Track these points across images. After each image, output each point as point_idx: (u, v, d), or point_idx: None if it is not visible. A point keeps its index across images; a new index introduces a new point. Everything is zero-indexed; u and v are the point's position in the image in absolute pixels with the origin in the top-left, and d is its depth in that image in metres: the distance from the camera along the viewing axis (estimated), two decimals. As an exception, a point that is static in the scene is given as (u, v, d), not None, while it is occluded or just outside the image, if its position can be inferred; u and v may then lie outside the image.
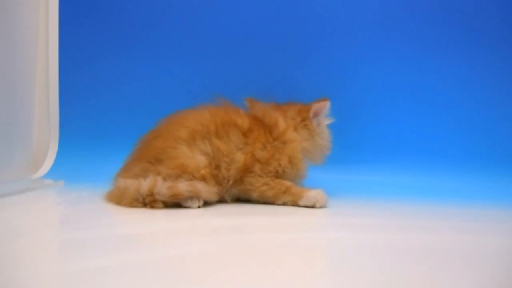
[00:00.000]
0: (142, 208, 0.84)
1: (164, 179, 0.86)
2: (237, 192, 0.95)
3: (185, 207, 0.86)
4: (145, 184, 0.85)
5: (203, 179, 0.88)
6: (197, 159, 0.89)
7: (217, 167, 0.91)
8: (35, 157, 1.32)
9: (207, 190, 0.87)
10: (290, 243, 0.65)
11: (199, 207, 0.87)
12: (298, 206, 0.92)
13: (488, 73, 1.29)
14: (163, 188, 0.84)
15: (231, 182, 0.93)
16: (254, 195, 0.94)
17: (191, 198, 0.86)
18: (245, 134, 0.94)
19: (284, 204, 0.94)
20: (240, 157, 0.93)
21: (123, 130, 1.35)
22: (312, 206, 0.91)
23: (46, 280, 0.47)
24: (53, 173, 1.28)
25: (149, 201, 0.84)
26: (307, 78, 1.32)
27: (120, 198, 0.87)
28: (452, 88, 1.31)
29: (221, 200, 0.93)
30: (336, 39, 1.33)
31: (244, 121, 0.96)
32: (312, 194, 0.92)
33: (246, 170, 0.93)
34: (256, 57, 1.33)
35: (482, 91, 1.30)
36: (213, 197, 0.89)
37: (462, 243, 0.68)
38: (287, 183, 0.94)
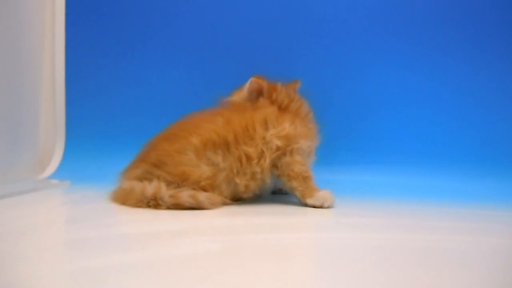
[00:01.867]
0: (146, 208, 0.84)
1: (167, 184, 0.86)
2: (268, 183, 0.93)
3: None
4: (149, 188, 0.85)
5: (203, 190, 0.87)
6: (201, 169, 0.88)
7: (238, 173, 0.89)
8: (41, 157, 1.32)
9: (210, 202, 0.86)
10: (296, 243, 0.64)
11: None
12: (304, 203, 0.92)
13: (490, 75, 1.30)
14: (165, 195, 0.84)
15: (265, 175, 0.91)
16: (284, 163, 0.92)
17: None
18: (266, 122, 0.92)
19: (292, 189, 0.92)
20: (273, 142, 0.91)
21: (129, 131, 1.35)
22: (320, 206, 0.91)
23: (51, 279, 0.47)
24: (59, 173, 1.28)
25: (153, 204, 0.84)
26: (311, 80, 1.31)
27: (125, 199, 0.87)
28: (454, 90, 1.32)
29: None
30: (341, 41, 1.33)
31: (262, 111, 0.93)
32: (321, 194, 0.91)
33: (282, 149, 0.91)
34: (261, 59, 1.33)
35: (483, 94, 1.31)
36: (217, 207, 0.87)
37: (466, 244, 0.67)
38: (312, 173, 0.93)
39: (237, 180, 0.90)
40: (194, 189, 0.87)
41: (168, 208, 0.84)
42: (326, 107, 1.29)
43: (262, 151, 0.90)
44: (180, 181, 0.87)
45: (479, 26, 1.29)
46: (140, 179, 0.89)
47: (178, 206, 0.84)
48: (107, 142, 1.35)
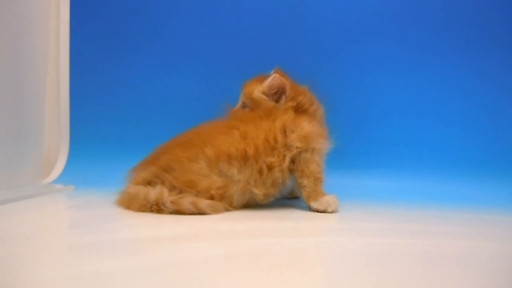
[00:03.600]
0: (150, 212, 0.84)
1: (169, 189, 0.86)
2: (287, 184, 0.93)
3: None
4: (153, 194, 0.85)
5: (211, 198, 0.87)
6: (212, 179, 0.88)
7: (257, 184, 0.89)
8: (45, 162, 1.33)
9: (211, 209, 0.86)
10: (300, 248, 0.64)
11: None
12: (308, 205, 0.92)
13: (492, 81, 1.32)
14: (167, 201, 0.84)
15: (285, 176, 0.91)
16: (303, 158, 0.91)
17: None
18: (285, 129, 0.91)
19: (300, 187, 0.92)
20: (294, 144, 0.90)
21: (133, 136, 1.36)
22: (323, 211, 0.91)
23: (55, 283, 0.47)
24: (63, 178, 1.29)
25: (155, 209, 0.84)
26: (315, 84, 1.32)
27: (129, 203, 0.87)
28: (458, 97, 1.34)
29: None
30: (345, 46, 1.33)
31: (279, 120, 0.92)
32: (326, 199, 0.91)
33: (302, 148, 0.91)
34: (266, 64, 1.33)
35: (486, 99, 1.33)
36: (219, 213, 0.87)
37: (468, 248, 0.67)
38: (324, 176, 0.93)
39: (256, 191, 0.89)
40: (198, 196, 0.86)
41: (171, 213, 0.84)
42: (331, 112, 1.30)
43: (284, 156, 0.90)
44: (185, 187, 0.87)
45: (481, 32, 1.32)
46: (147, 181, 0.89)
47: (179, 213, 0.84)
48: (111, 147, 1.36)
